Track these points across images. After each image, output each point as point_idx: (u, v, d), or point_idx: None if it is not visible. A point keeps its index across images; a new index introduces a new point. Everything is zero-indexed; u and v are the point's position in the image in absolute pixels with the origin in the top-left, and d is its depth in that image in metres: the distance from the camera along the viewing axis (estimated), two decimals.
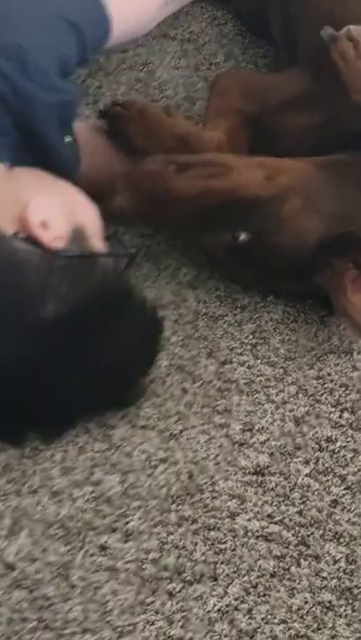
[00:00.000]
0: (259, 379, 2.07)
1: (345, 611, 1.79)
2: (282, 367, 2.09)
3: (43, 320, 1.82)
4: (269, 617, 1.78)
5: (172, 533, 1.86)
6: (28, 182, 1.99)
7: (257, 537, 1.87)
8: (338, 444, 1.99)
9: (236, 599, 1.80)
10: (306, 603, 1.80)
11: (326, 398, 2.05)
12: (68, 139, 2.10)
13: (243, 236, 2.03)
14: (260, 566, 1.83)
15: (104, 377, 1.88)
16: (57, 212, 1.92)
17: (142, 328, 1.96)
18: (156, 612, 1.78)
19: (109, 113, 2.28)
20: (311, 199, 2.04)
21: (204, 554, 1.84)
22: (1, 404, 1.85)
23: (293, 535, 1.87)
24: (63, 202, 1.97)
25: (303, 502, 1.91)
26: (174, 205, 2.02)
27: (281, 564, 1.84)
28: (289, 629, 1.77)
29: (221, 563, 1.83)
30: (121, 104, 2.27)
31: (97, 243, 1.97)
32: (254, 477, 1.94)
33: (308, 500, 1.92)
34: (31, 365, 1.81)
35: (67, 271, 1.86)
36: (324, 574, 1.83)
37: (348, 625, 1.78)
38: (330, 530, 1.88)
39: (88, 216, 2.00)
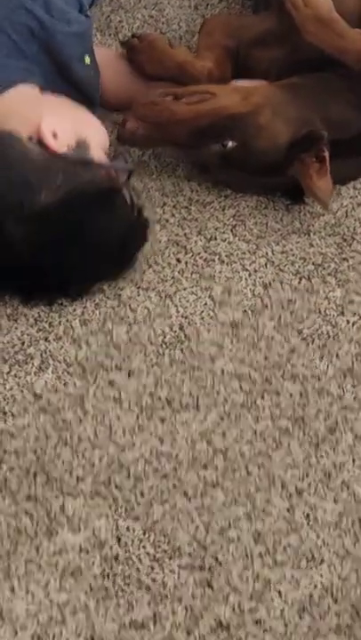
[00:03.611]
0: (236, 252, 1.94)
1: (298, 434, 1.69)
2: (255, 243, 1.96)
3: (36, 205, 1.75)
4: (239, 438, 1.68)
5: (165, 372, 1.76)
6: (50, 104, 1.90)
7: (231, 376, 1.76)
8: (297, 304, 1.87)
9: (213, 424, 1.70)
10: (268, 428, 1.70)
11: (289, 268, 1.92)
12: (87, 60, 1.98)
13: (230, 144, 1.94)
14: (232, 399, 1.73)
15: (93, 255, 1.80)
16: (66, 126, 1.85)
17: (126, 222, 1.86)
18: (151, 434, 1.68)
19: (127, 43, 2.16)
20: (277, 110, 1.95)
21: (189, 388, 1.74)
22: (10, 272, 1.79)
23: (259, 375, 1.76)
24: (74, 119, 1.90)
25: (268, 349, 1.80)
26: (174, 127, 1.94)
27: (249, 397, 1.73)
28: (254, 448, 1.67)
29: (203, 396, 1.73)
30: (138, 37, 2.17)
31: (99, 154, 1.89)
32: (231, 329, 1.82)
33: (271, 348, 1.80)
34: (30, 241, 1.75)
35: (62, 170, 1.79)
36: (283, 406, 1.72)
37: (300, 445, 1.68)
38: (288, 371, 1.77)
39: (94, 133, 1.92)
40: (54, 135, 1.82)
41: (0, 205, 1.74)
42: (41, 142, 1.81)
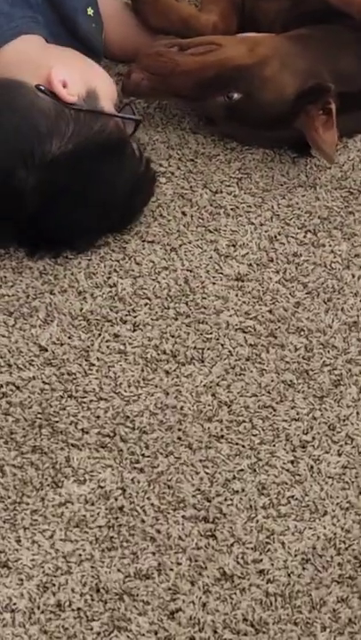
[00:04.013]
0: (242, 205, 1.93)
1: (302, 388, 1.69)
2: (260, 197, 1.95)
3: (48, 154, 1.73)
4: (243, 391, 1.68)
5: (170, 325, 1.75)
6: (58, 54, 1.88)
7: (236, 329, 1.75)
8: (302, 258, 1.86)
9: (218, 377, 1.69)
10: (272, 381, 1.69)
11: (294, 222, 1.91)
12: (90, 11, 1.97)
13: (235, 96, 1.92)
14: (237, 352, 1.72)
15: (102, 207, 1.80)
16: (75, 76, 1.82)
17: (134, 174, 1.85)
18: (156, 386, 1.68)
19: None
20: (285, 62, 1.94)
21: (194, 341, 1.73)
22: (18, 223, 1.78)
23: (264, 328, 1.76)
24: (82, 70, 1.87)
25: (273, 303, 1.79)
26: (179, 79, 1.91)
27: (254, 350, 1.73)
28: (258, 401, 1.67)
29: (208, 349, 1.72)
30: None
31: (107, 105, 1.86)
32: (236, 283, 1.82)
33: (277, 301, 1.80)
34: (39, 191, 1.73)
35: (73, 120, 1.77)
36: (288, 359, 1.72)
37: (305, 399, 1.68)
38: (293, 325, 1.76)
39: (102, 84, 1.88)
40: (64, 85, 1.79)
41: (10, 153, 1.73)
42: (50, 92, 1.78)
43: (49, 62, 1.82)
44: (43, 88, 1.78)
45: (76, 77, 1.82)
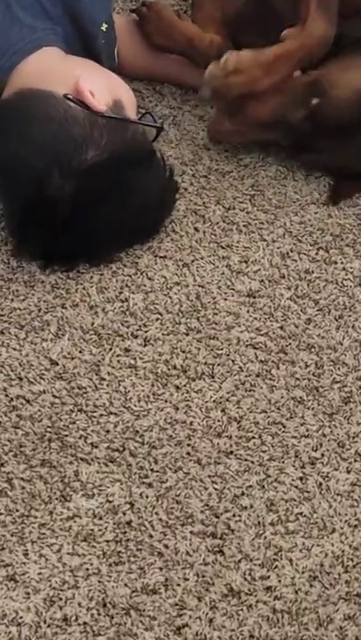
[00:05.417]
0: (254, 222, 1.93)
1: (312, 404, 1.69)
2: (273, 214, 1.95)
3: (84, 162, 1.75)
4: (253, 407, 1.68)
5: (180, 340, 1.76)
6: (80, 64, 1.90)
7: (247, 345, 1.76)
8: (314, 275, 1.86)
9: (228, 393, 1.70)
10: (282, 397, 1.70)
11: (306, 239, 1.92)
12: (104, 27, 1.97)
13: (313, 101, 1.90)
14: (248, 368, 1.73)
15: (131, 217, 1.81)
16: (102, 85, 1.84)
17: (162, 182, 1.87)
18: (166, 401, 1.68)
19: (137, 12, 2.12)
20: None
21: (204, 357, 1.74)
22: (49, 233, 1.78)
23: (275, 345, 1.76)
24: (106, 80, 1.89)
25: (284, 320, 1.80)
26: (257, 107, 1.91)
27: (264, 366, 1.73)
28: (268, 417, 1.67)
29: (218, 364, 1.73)
30: (147, 5, 2.11)
31: (131, 113, 1.88)
32: (247, 299, 1.82)
33: (288, 318, 1.80)
34: (74, 199, 1.74)
35: (106, 129, 1.79)
36: (298, 376, 1.72)
37: (314, 415, 1.68)
38: (304, 342, 1.77)
39: (125, 93, 1.91)
40: (91, 94, 1.80)
41: (47, 159, 1.74)
42: (80, 101, 1.80)
43: (74, 72, 1.83)
44: (71, 97, 1.79)
45: (102, 87, 1.84)
